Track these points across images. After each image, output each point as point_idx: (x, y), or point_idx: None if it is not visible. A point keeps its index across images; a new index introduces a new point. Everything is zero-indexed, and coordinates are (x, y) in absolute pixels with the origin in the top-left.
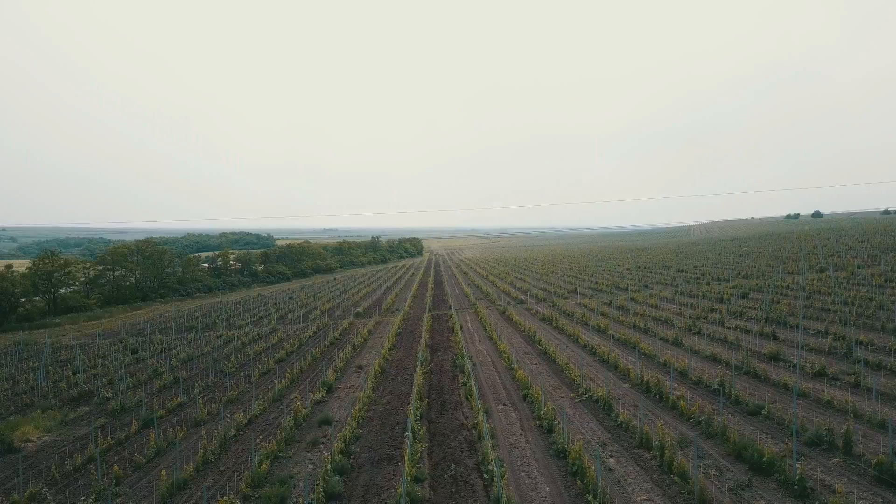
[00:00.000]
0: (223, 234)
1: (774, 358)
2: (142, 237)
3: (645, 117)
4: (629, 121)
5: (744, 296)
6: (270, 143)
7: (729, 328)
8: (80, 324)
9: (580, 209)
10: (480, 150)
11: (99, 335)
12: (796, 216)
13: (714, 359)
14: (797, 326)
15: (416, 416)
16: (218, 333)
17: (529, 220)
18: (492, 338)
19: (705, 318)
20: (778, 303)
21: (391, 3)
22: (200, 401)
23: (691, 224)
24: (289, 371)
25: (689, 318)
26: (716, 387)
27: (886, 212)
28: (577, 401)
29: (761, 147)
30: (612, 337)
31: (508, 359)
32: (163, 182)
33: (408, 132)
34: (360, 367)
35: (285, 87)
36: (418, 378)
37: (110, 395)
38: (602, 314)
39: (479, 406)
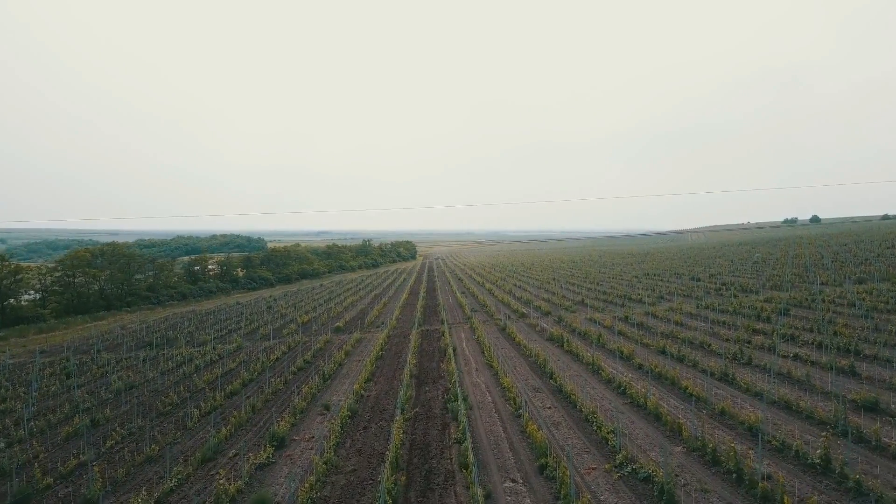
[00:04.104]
0: (213, 237)
1: (872, 408)
2: (132, 239)
3: (637, 124)
4: (625, 127)
5: (784, 312)
6: (263, 147)
7: (785, 357)
8: (28, 337)
9: (577, 210)
10: (478, 157)
11: (40, 352)
12: (794, 220)
13: (788, 407)
14: (877, 357)
15: (390, 499)
16: (176, 351)
17: (525, 224)
18: (492, 365)
19: (749, 341)
20: (832, 322)
21: (388, 11)
22: (97, 469)
23: (687, 228)
24: (236, 413)
25: (730, 341)
26: (816, 461)
27: (886, 216)
28: (615, 476)
29: (756, 151)
30: (641, 367)
31: (514, 400)
32: (154, 184)
33: (405, 137)
34: (327, 408)
35: (280, 91)
36: (397, 429)
37: (1, 446)
38: (620, 333)
39: (479, 489)
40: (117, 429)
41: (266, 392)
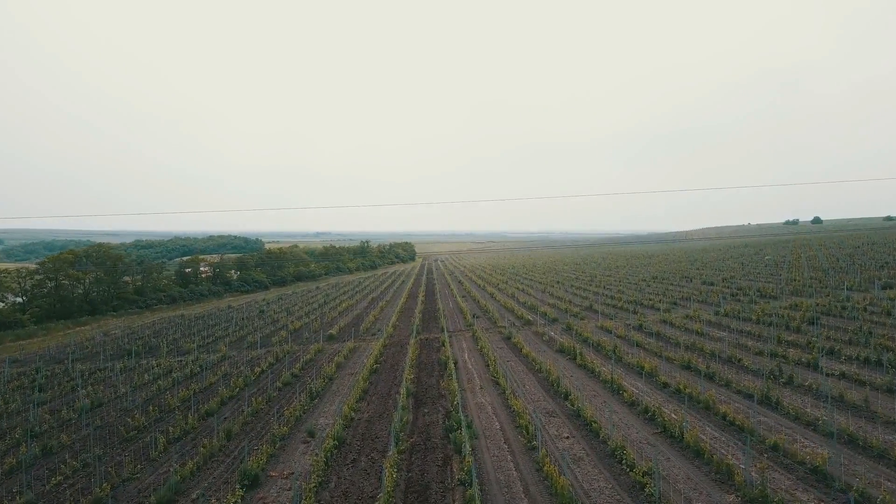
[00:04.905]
0: (210, 238)
1: None
2: (130, 239)
3: (638, 125)
4: (625, 127)
5: (813, 322)
6: (262, 147)
7: (830, 375)
8: (4, 344)
9: (577, 210)
10: (478, 157)
11: (11, 362)
12: (795, 222)
13: (852, 441)
14: None
15: None
16: (156, 361)
17: (525, 225)
18: (498, 382)
19: (784, 356)
20: (871, 334)
21: (388, 12)
22: None
23: (688, 230)
24: (206, 442)
25: (762, 355)
26: None
27: (889, 218)
28: None
29: (756, 152)
30: (666, 386)
31: (527, 428)
32: (155, 185)
33: (405, 137)
34: (312, 435)
35: (280, 91)
36: (390, 466)
37: None
38: (637, 345)
39: None
40: (69, 460)
41: (245, 413)
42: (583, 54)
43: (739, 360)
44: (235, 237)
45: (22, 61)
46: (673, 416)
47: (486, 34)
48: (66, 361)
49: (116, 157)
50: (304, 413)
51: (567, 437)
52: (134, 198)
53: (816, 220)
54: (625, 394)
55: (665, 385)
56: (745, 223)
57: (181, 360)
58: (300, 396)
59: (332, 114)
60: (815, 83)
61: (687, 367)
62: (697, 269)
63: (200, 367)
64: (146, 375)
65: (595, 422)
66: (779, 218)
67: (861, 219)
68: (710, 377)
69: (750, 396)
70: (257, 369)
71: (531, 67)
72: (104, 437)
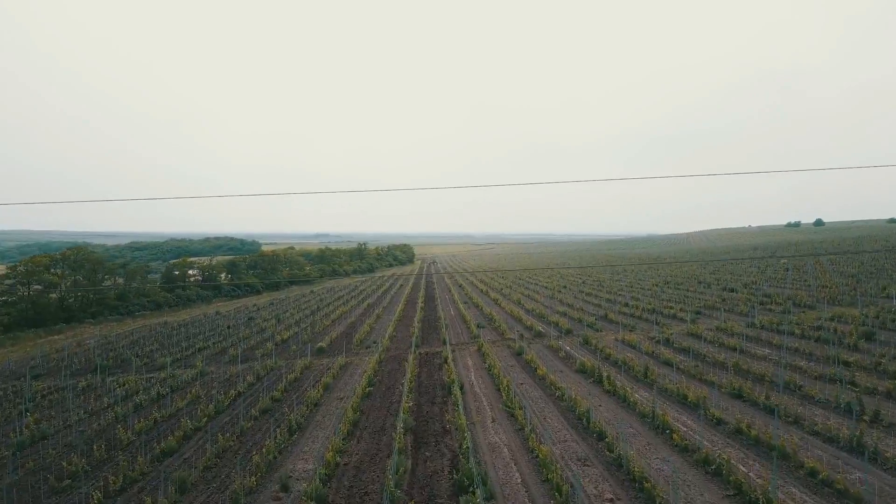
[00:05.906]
0: (206, 239)
1: None
2: (128, 241)
3: (639, 126)
4: (626, 128)
5: (868, 337)
6: (261, 149)
7: None
8: None
9: (577, 211)
10: (478, 158)
11: None
12: (797, 224)
13: None
14: None
15: None
16: (123, 379)
17: (524, 226)
18: (513, 414)
19: (853, 383)
20: None
21: (389, 16)
22: None
23: (689, 232)
24: (151, 500)
25: (825, 381)
26: None
27: (893, 220)
28: None
29: (756, 153)
30: (721, 423)
31: (558, 487)
32: (152, 186)
33: (405, 139)
34: (285, 489)
35: (276, 94)
36: None
37: None
38: (670, 364)
39: None
40: None
41: (209, 453)
42: (582, 56)
43: (800, 388)
44: (232, 238)
45: (20, 61)
46: (743, 468)
47: (487, 35)
48: (25, 378)
49: (114, 158)
50: (280, 454)
51: (611, 501)
52: (134, 199)
53: (819, 223)
54: (674, 435)
55: (719, 421)
56: (746, 225)
57: (151, 378)
58: (277, 430)
59: (332, 115)
60: (815, 84)
61: (738, 395)
62: (712, 273)
63: (171, 387)
64: (106, 399)
65: (646, 478)
66: (780, 220)
67: (864, 220)
68: (769, 410)
69: (831, 440)
70: (233, 392)
71: (531, 69)
72: (31, 486)
